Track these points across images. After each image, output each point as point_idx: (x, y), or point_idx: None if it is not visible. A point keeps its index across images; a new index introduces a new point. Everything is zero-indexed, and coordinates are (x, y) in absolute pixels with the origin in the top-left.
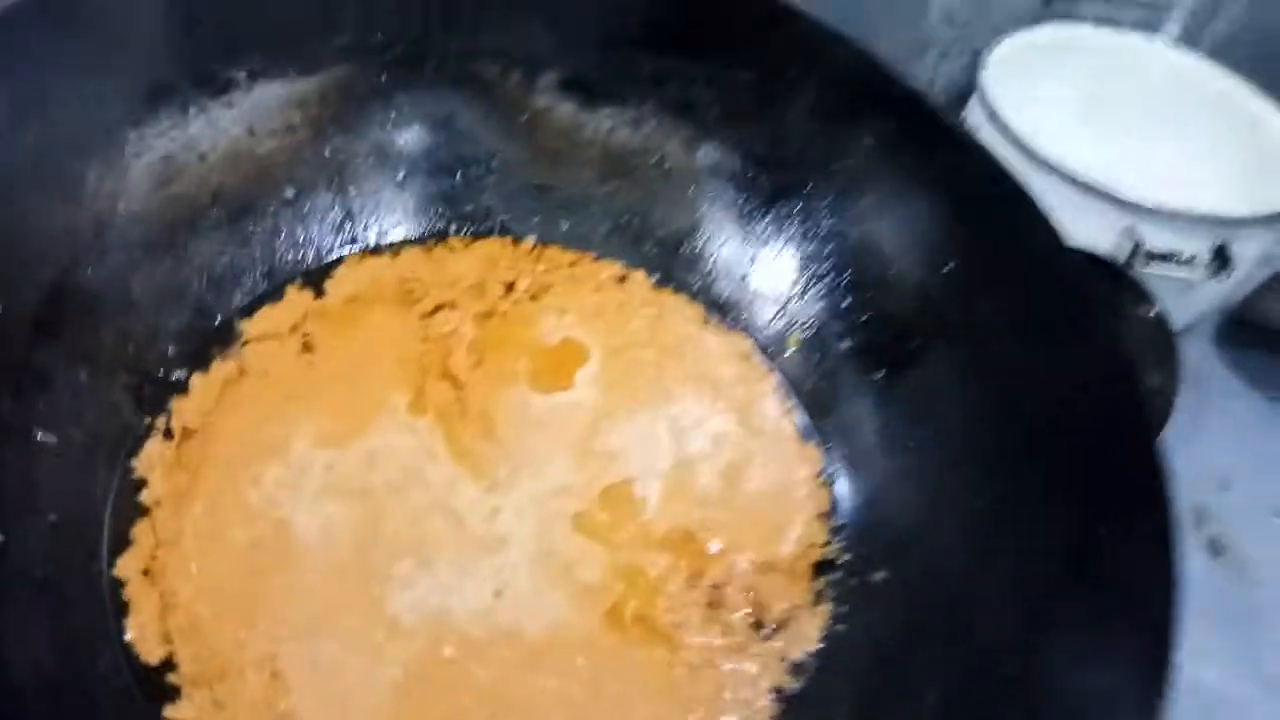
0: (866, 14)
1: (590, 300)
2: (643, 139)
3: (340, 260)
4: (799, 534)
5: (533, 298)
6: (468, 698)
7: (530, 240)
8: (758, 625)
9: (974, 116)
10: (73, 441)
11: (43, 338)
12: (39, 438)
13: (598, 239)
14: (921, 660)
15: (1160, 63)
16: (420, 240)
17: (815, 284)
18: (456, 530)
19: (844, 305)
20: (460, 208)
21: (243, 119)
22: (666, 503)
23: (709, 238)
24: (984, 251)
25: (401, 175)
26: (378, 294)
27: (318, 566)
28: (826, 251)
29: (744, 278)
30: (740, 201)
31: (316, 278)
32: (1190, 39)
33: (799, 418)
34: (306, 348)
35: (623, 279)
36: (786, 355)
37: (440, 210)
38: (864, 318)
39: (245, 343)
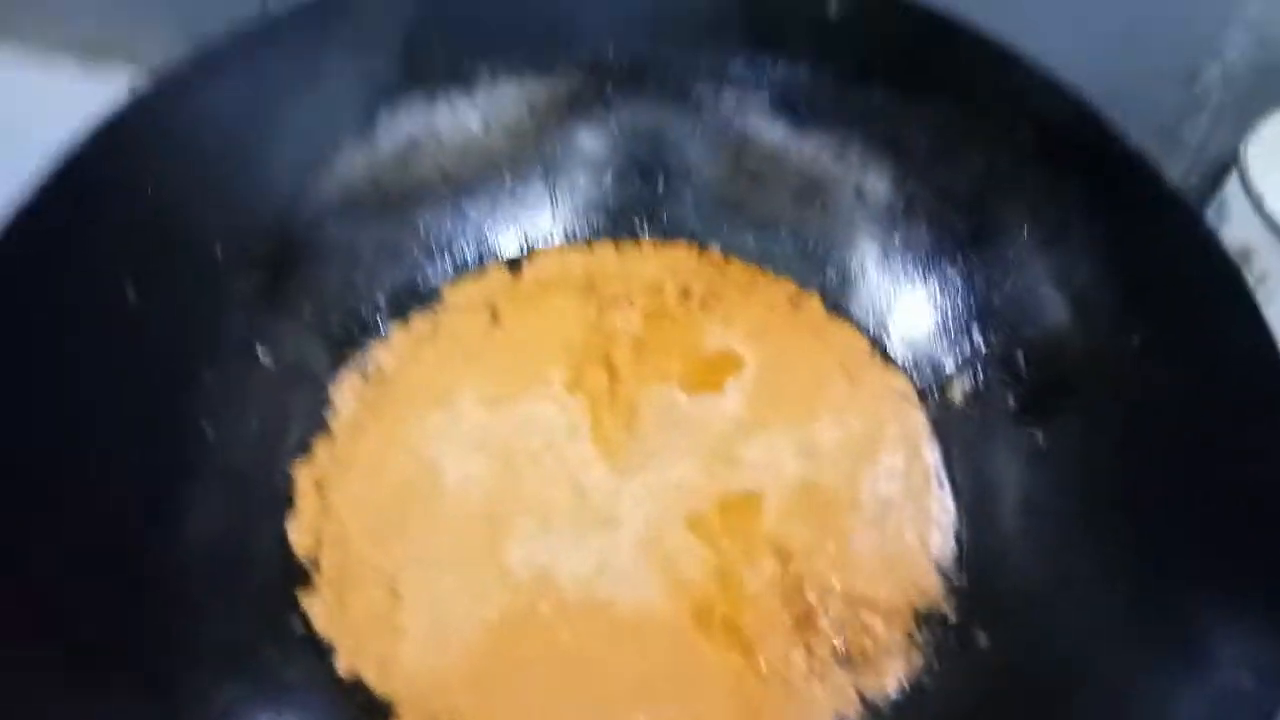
0: (1131, 71)
1: (759, 316)
2: (844, 168)
3: (540, 246)
4: (910, 580)
5: (704, 306)
6: (550, 652)
7: (715, 252)
8: (842, 657)
9: (1230, 188)
10: (285, 363)
11: (282, 275)
12: (260, 355)
13: (781, 259)
14: None
15: None
16: (613, 238)
17: (992, 335)
18: (578, 502)
19: (1017, 362)
20: (655, 213)
21: (479, 112)
22: (782, 521)
23: (890, 273)
24: (1177, 331)
25: (608, 177)
26: (565, 281)
27: (452, 509)
28: (1009, 304)
29: (918, 319)
30: (930, 241)
31: (517, 259)
32: None
33: (941, 465)
34: (494, 319)
35: (796, 301)
36: (946, 402)
37: (637, 213)
38: (1035, 378)
39: (444, 306)
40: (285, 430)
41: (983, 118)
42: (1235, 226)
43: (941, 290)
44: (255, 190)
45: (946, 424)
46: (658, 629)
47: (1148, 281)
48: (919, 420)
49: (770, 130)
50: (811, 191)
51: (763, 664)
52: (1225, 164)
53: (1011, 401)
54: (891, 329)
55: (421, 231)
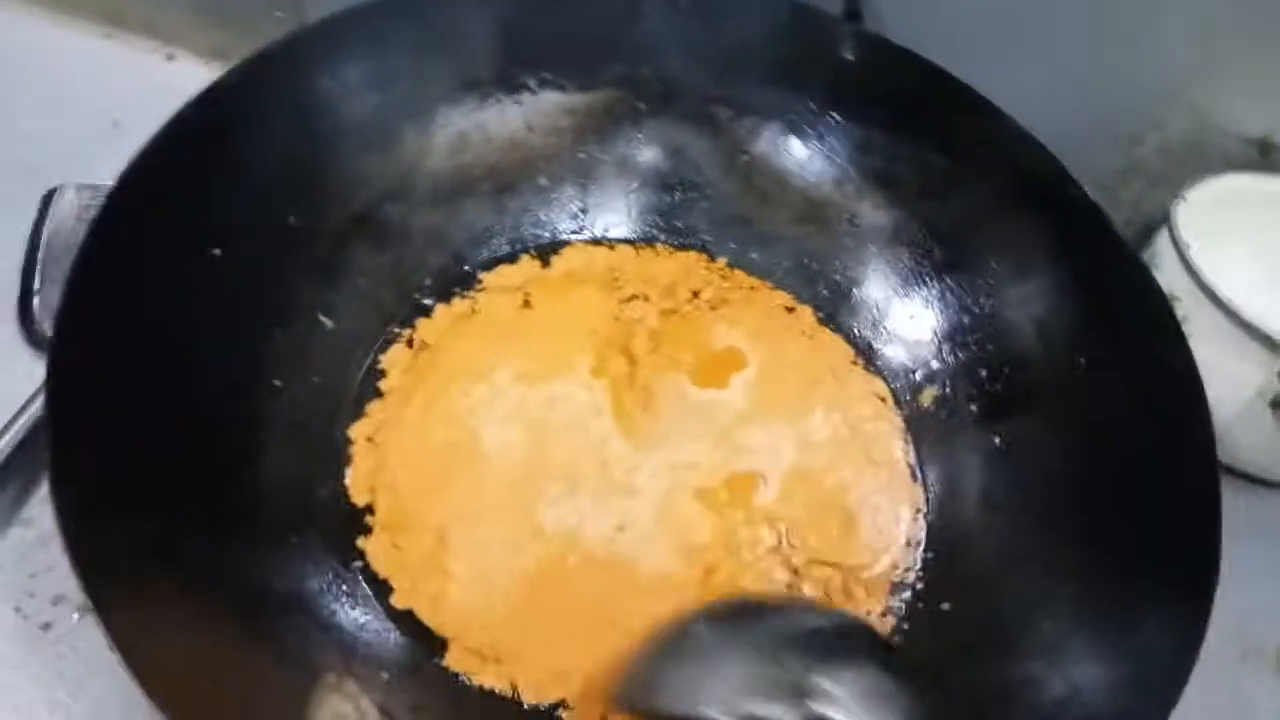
0: (1085, 132)
1: (759, 320)
2: (841, 196)
3: (568, 243)
4: (886, 554)
5: (712, 307)
6: (578, 600)
7: (723, 260)
8: None
9: (1161, 241)
10: (343, 329)
11: (343, 249)
12: (321, 320)
13: (779, 271)
14: (963, 676)
15: None
16: (633, 241)
17: (960, 351)
18: (601, 472)
19: (980, 375)
20: (672, 221)
21: (525, 116)
22: (779, 499)
23: (874, 291)
24: (1118, 355)
25: (634, 185)
26: (589, 275)
27: (492, 471)
28: (977, 325)
29: (896, 333)
30: (912, 266)
31: (547, 252)
32: None
33: (913, 459)
34: (526, 304)
35: (792, 309)
36: (918, 406)
37: (656, 220)
38: (995, 389)
39: (482, 289)
40: (341, 390)
41: (967, 161)
42: (1164, 275)
43: (919, 310)
44: (327, 169)
45: (918, 425)
46: (673, 585)
47: (1096, 313)
48: (895, 420)
49: (780, 155)
50: (812, 214)
51: None
52: (1157, 221)
53: (974, 408)
54: (874, 340)
55: (465, 219)
